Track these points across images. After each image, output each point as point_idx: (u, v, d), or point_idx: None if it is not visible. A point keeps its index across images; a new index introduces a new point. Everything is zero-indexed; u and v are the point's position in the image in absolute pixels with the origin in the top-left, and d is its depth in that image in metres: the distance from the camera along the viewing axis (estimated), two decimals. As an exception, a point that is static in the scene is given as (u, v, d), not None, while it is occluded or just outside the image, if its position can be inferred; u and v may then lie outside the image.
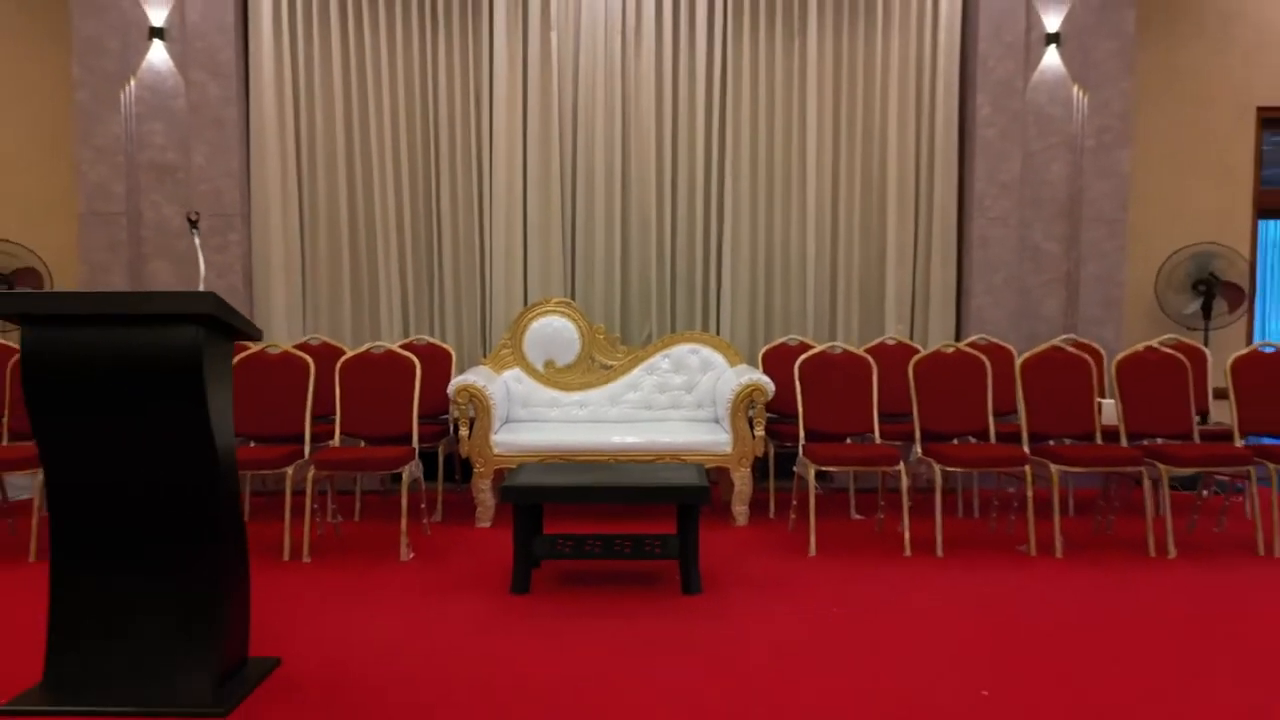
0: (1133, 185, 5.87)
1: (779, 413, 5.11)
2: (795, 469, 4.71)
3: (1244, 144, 6.16)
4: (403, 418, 4.60)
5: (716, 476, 4.99)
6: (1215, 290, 5.81)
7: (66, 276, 5.75)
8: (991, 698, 2.75)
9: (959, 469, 4.46)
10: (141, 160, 5.56)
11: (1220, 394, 4.74)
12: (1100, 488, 4.88)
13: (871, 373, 4.78)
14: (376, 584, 3.86)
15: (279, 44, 5.66)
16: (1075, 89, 5.71)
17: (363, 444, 4.71)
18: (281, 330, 5.65)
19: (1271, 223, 6.55)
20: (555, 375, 5.50)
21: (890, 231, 5.84)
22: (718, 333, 5.81)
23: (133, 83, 5.53)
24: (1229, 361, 4.67)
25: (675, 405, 5.45)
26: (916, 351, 5.00)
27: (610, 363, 5.54)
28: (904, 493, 4.43)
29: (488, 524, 4.83)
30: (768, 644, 3.18)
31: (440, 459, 5.08)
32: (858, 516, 5.05)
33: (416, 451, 4.49)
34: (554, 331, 5.51)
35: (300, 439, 4.51)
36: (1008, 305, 5.77)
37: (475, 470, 4.83)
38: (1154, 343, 4.78)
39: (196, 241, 3.05)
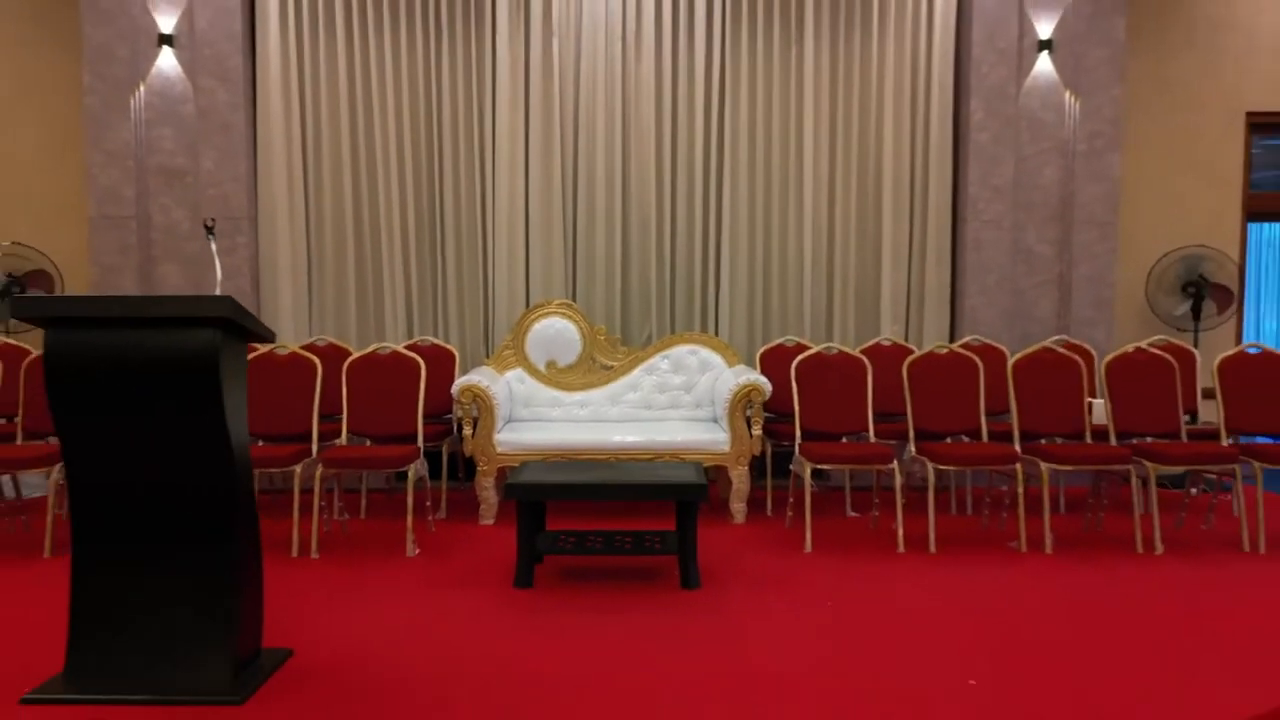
0: (1124, 189, 5.98)
1: (776, 412, 5.21)
2: (792, 467, 4.81)
3: (1233, 148, 6.26)
4: (408, 417, 4.70)
5: (715, 475, 5.09)
6: (1204, 292, 5.92)
7: (77, 279, 5.85)
8: (978, 687, 2.85)
9: (952, 467, 4.56)
10: (151, 165, 5.67)
11: (1209, 394, 4.84)
12: (1090, 485, 4.98)
13: (866, 373, 4.89)
14: (383, 579, 3.96)
15: (286, 51, 5.77)
16: (1067, 95, 5.81)
17: (368, 443, 4.81)
18: (288, 331, 5.76)
19: (1261, 225, 6.67)
20: (557, 375, 5.60)
21: (886, 234, 5.94)
22: (716, 334, 5.92)
23: (142, 89, 5.63)
24: (1216, 362, 4.77)
25: (674, 405, 5.55)
26: (911, 352, 5.10)
27: (611, 363, 5.65)
28: (898, 490, 4.53)
29: (491, 521, 4.93)
30: (764, 637, 3.29)
31: (444, 458, 5.18)
32: (853, 514, 5.15)
33: (421, 450, 4.60)
34: (556, 333, 5.61)
35: (308, 438, 4.61)
36: (1001, 306, 5.88)
37: (479, 469, 4.93)
38: (1143, 344, 4.89)
39: (213, 247, 3.15)
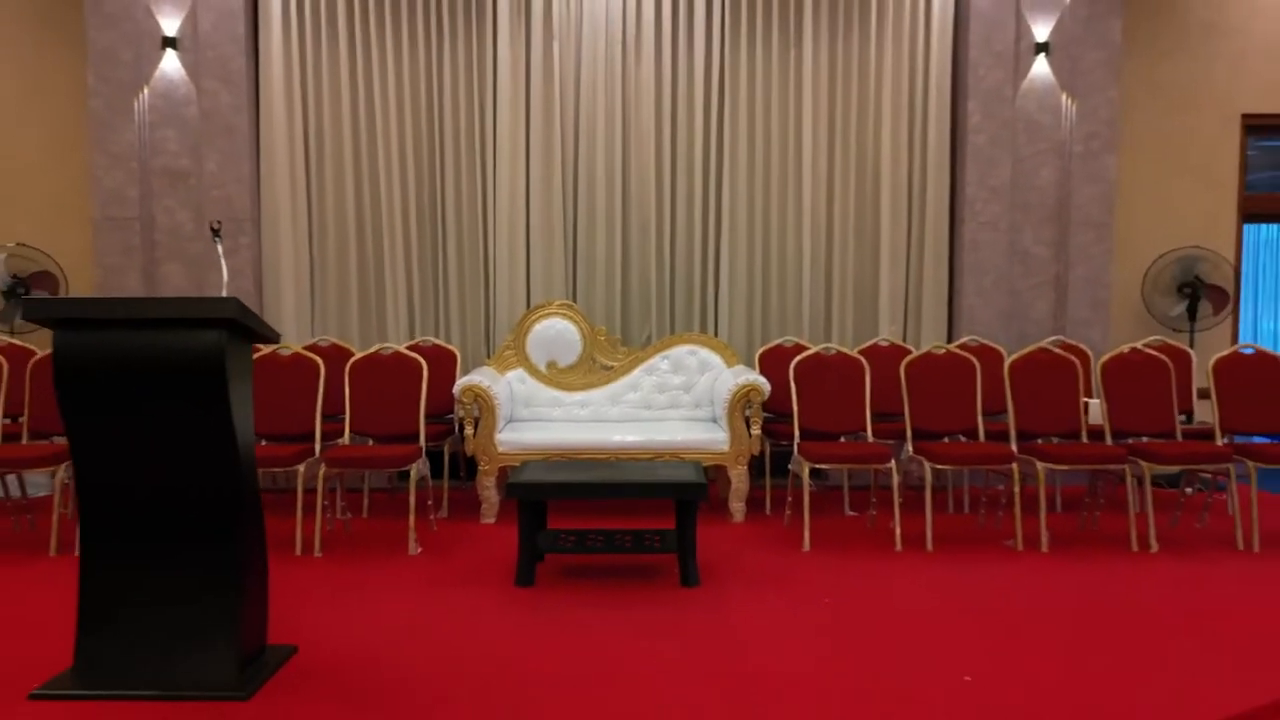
0: (1119, 190, 6.03)
1: (775, 412, 5.25)
2: (790, 467, 4.85)
3: (1229, 150, 6.31)
4: (410, 417, 4.75)
5: (714, 474, 5.12)
6: (1200, 293, 5.96)
7: (81, 280, 5.89)
8: (974, 683, 2.89)
9: (949, 467, 4.60)
10: (155, 166, 5.71)
11: (1205, 394, 4.88)
12: (1086, 485, 5.02)
13: (864, 373, 4.93)
14: (386, 577, 4.01)
15: (288, 54, 5.82)
16: (1063, 97, 5.86)
17: (371, 442, 4.85)
18: (291, 332, 5.80)
19: (1259, 226, 6.71)
20: (557, 376, 5.65)
21: (884, 235, 5.99)
22: (716, 334, 5.97)
23: (146, 91, 5.68)
24: (1210, 363, 4.81)
25: (674, 405, 5.59)
26: (909, 352, 5.13)
27: (611, 363, 5.69)
28: (895, 490, 4.57)
29: (492, 520, 4.97)
30: (762, 633, 3.33)
31: (446, 457, 5.22)
32: (851, 513, 5.20)
33: (424, 450, 4.64)
34: (556, 333, 5.66)
35: (311, 437, 4.65)
36: (998, 307, 5.92)
37: (480, 468, 4.97)
38: (1139, 344, 4.93)
39: (219, 250, 3.19)
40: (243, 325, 2.86)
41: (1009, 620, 3.47)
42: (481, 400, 4.94)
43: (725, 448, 4.99)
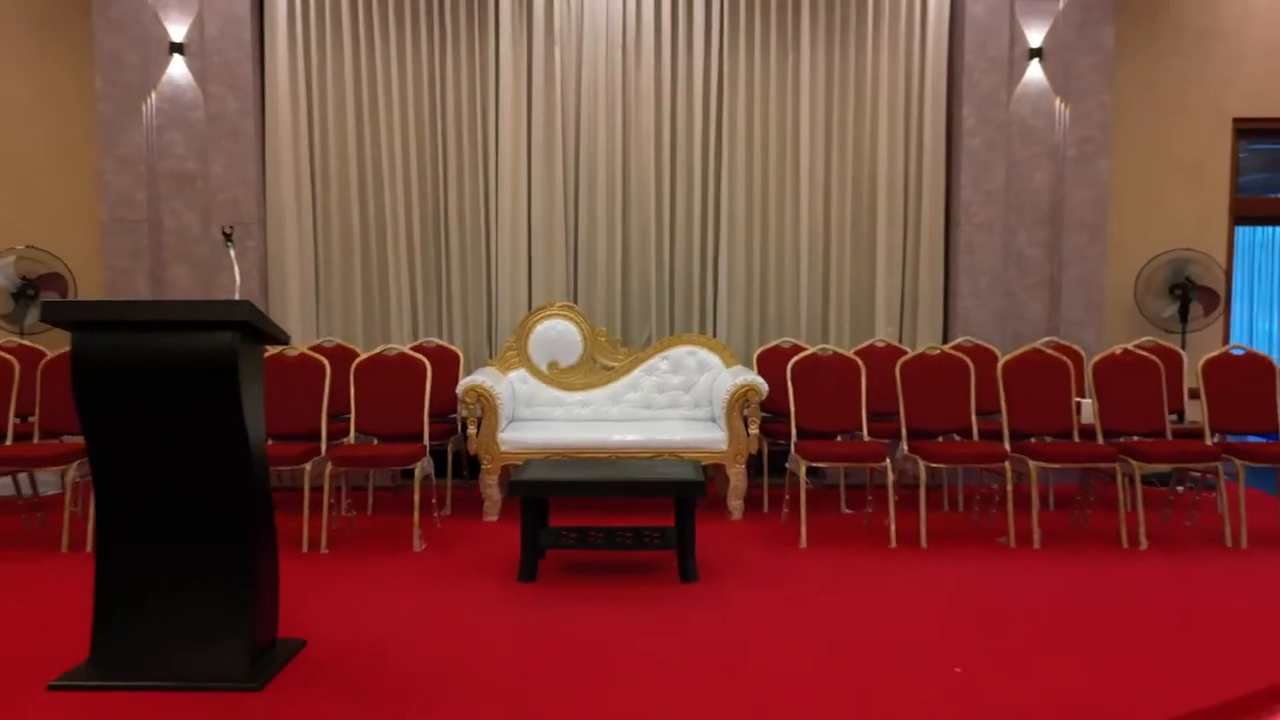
0: (1112, 193, 6.11)
1: (772, 412, 5.33)
2: (787, 465, 4.94)
3: (1220, 153, 6.39)
4: (414, 416, 4.83)
5: (713, 472, 5.21)
6: (1191, 294, 6.04)
7: (89, 282, 5.98)
8: (964, 675, 2.98)
9: (943, 465, 4.68)
10: (162, 169, 5.80)
11: (1196, 394, 4.95)
12: (1078, 483, 5.11)
13: (860, 374, 5.02)
14: (392, 573, 4.10)
15: (294, 59, 5.90)
16: (1057, 101, 5.95)
17: (375, 441, 4.93)
18: (296, 333, 5.88)
19: (1255, 229, 6.80)
20: (559, 376, 5.73)
21: (880, 237, 6.07)
22: (714, 335, 6.05)
23: (153, 95, 5.76)
24: (1200, 363, 4.89)
25: (673, 404, 5.68)
26: (904, 353, 5.22)
27: (611, 364, 5.77)
28: (890, 488, 4.65)
29: (494, 518, 5.06)
30: (759, 627, 3.42)
31: (449, 456, 5.31)
32: (847, 510, 5.28)
33: (428, 449, 4.72)
34: (557, 334, 5.74)
35: (317, 436, 4.72)
36: (993, 308, 6.01)
37: (483, 467, 5.06)
38: (1130, 345, 5.01)
39: (232, 254, 3.28)
40: (254, 327, 2.94)
41: (1000, 614, 3.55)
42: (484, 400, 5.02)
43: (724, 447, 5.08)
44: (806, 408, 4.95)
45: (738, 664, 3.07)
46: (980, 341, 5.67)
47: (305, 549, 4.43)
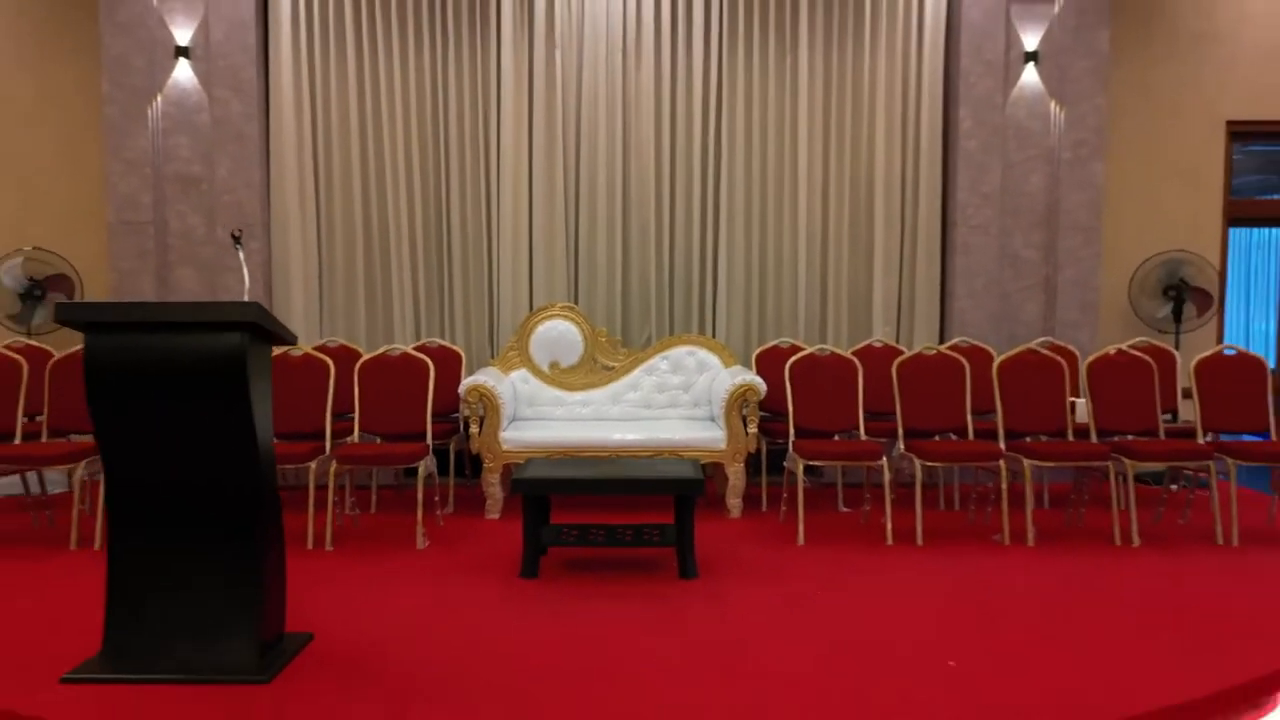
0: (1107, 196, 6.18)
1: (771, 411, 5.40)
2: (785, 464, 5.00)
3: (1214, 156, 6.46)
4: (417, 416, 4.89)
5: (712, 471, 5.27)
6: (1185, 295, 6.11)
7: (96, 283, 6.05)
8: (960, 670, 3.03)
9: (939, 464, 4.75)
10: (168, 172, 5.87)
11: (1189, 394, 5.01)
12: (1071, 481, 5.17)
13: (857, 373, 5.08)
14: (396, 570, 4.16)
15: (298, 63, 5.97)
16: (1052, 104, 6.02)
17: (379, 440, 5.00)
18: (300, 333, 5.95)
19: (1252, 230, 6.86)
20: (560, 376, 5.80)
21: (878, 239, 6.14)
22: (713, 335, 6.12)
23: (159, 99, 5.83)
24: (1192, 363, 4.95)
25: (673, 404, 5.74)
26: (901, 353, 5.28)
27: (612, 364, 5.84)
28: (887, 486, 4.72)
29: (496, 516, 5.12)
30: (757, 622, 3.48)
31: (451, 455, 5.38)
32: (844, 509, 5.35)
33: (430, 447, 4.79)
34: (558, 334, 5.81)
35: (321, 435, 4.78)
36: (989, 309, 6.08)
37: (485, 465, 5.12)
38: (1124, 345, 5.08)
39: (241, 256, 3.34)
40: (263, 328, 3.00)
41: (994, 610, 3.61)
42: (486, 400, 5.08)
43: (723, 445, 5.14)
44: (804, 407, 5.01)
45: (736, 659, 3.12)
46: (976, 342, 5.73)
47: (310, 546, 4.49)
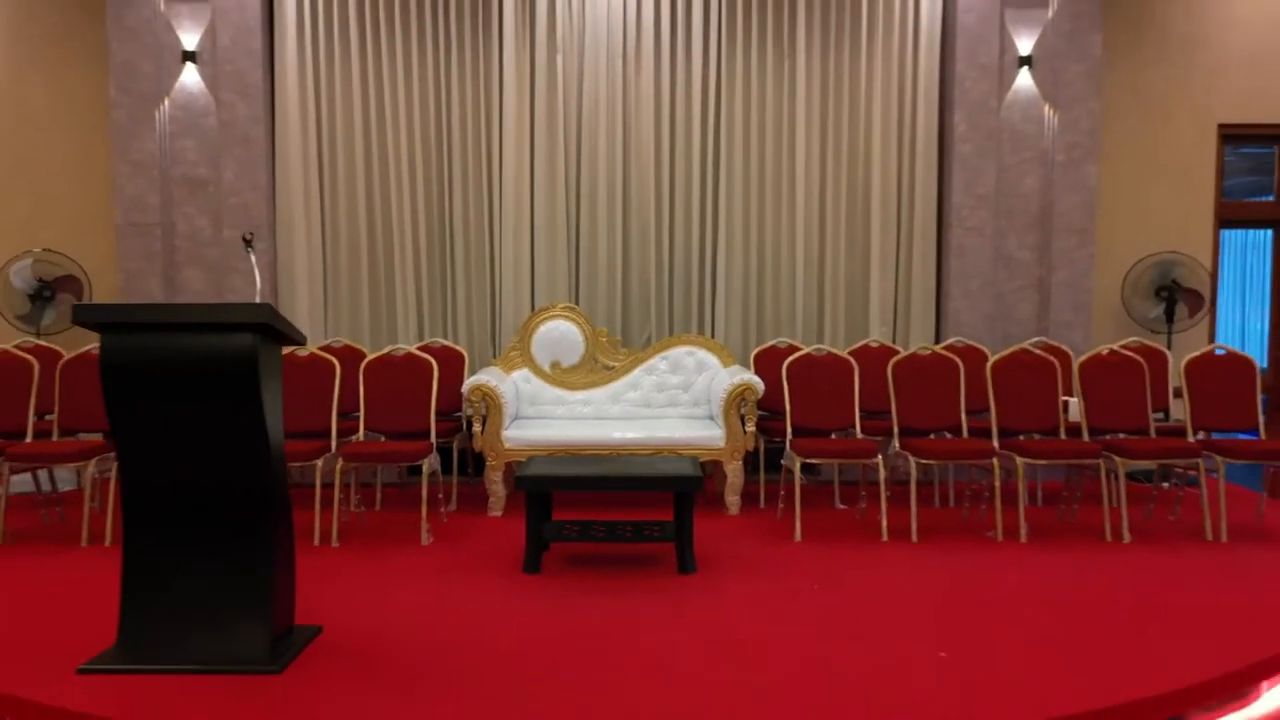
0: (1100, 198, 6.27)
1: (769, 410, 5.48)
2: (783, 462, 5.08)
3: (1205, 159, 6.54)
4: (421, 415, 4.97)
5: (710, 469, 5.36)
6: (1177, 296, 6.20)
7: (104, 284, 6.13)
8: (953, 663, 3.11)
9: (934, 461, 4.81)
10: (175, 175, 5.96)
11: (1180, 393, 5.09)
12: (1064, 479, 5.26)
13: (853, 373, 5.16)
14: (401, 565, 4.24)
15: (303, 67, 6.06)
16: (1046, 108, 6.10)
17: (383, 439, 5.08)
18: (305, 333, 6.00)
19: (1247, 231, 6.94)
20: (561, 375, 5.88)
21: (874, 240, 6.23)
22: (712, 335, 6.21)
23: (166, 103, 5.92)
24: (1183, 363, 5.03)
25: (672, 403, 5.82)
26: (897, 353, 5.36)
27: (612, 364, 5.92)
28: (882, 484, 4.80)
29: (499, 513, 5.20)
30: (754, 616, 3.56)
31: (455, 453, 5.46)
32: (841, 506, 5.43)
33: (434, 446, 4.87)
34: (560, 335, 5.89)
35: (327, 434, 4.86)
36: (983, 309, 6.17)
37: (488, 463, 5.20)
38: (1116, 345, 5.16)
39: (253, 259, 3.43)
40: (274, 328, 3.08)
41: (986, 604, 3.69)
42: (489, 399, 5.17)
43: (721, 444, 5.22)
44: (801, 406, 5.09)
45: (734, 652, 3.20)
46: (971, 342, 5.82)
47: (317, 542, 4.58)
